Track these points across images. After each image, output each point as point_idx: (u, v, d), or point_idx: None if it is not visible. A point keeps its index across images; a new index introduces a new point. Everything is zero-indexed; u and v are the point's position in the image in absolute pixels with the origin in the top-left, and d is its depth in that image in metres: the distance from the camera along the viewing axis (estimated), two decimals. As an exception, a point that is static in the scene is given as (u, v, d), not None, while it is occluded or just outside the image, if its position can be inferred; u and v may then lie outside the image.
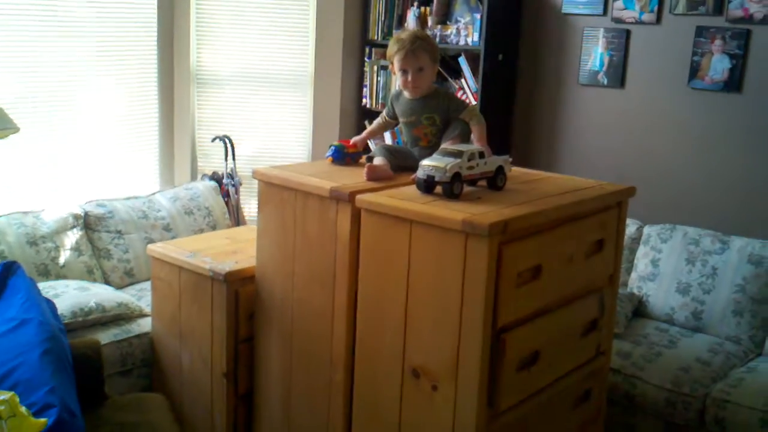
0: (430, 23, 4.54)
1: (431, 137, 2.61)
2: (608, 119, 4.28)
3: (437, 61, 2.64)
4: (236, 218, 4.37)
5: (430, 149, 2.56)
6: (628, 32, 4.14)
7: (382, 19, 4.75)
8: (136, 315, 3.32)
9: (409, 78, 2.57)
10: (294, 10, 4.61)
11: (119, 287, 3.68)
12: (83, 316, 3.12)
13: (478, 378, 2.16)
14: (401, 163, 2.60)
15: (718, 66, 3.82)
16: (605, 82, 4.25)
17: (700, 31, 3.87)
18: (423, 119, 2.60)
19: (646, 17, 4.06)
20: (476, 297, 2.12)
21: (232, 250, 3.07)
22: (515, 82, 4.59)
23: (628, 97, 4.20)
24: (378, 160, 2.59)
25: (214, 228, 4.10)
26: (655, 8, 4.00)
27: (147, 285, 3.49)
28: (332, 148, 2.73)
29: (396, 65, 2.59)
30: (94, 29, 4.03)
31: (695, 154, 4.00)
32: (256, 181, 2.69)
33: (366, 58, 4.82)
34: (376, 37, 4.78)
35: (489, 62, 4.29)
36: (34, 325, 2.32)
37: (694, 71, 3.91)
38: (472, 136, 2.58)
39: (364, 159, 2.73)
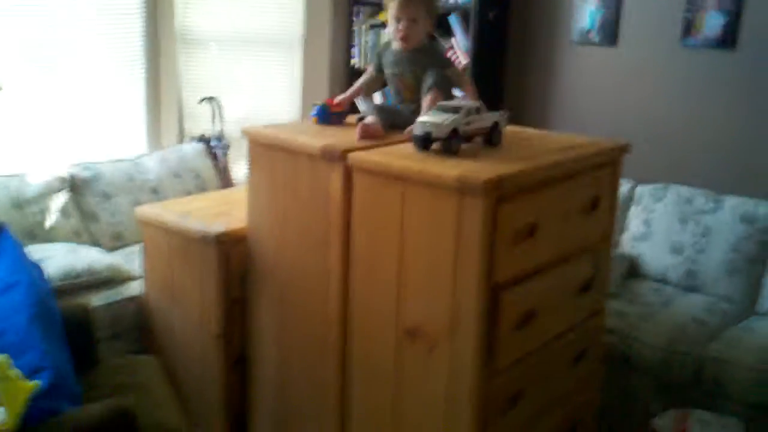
0: None
1: (414, 90, 2.58)
2: (601, 78, 4.25)
3: (433, 16, 2.59)
4: (225, 180, 4.31)
5: (415, 103, 2.54)
6: None
7: (372, -24, 4.66)
8: (126, 278, 3.28)
9: (400, 27, 2.53)
10: None
11: (108, 250, 3.61)
12: (72, 279, 3.08)
13: (475, 337, 2.14)
14: (393, 122, 2.57)
15: (712, 23, 3.77)
16: (597, 40, 4.22)
17: None
18: (408, 73, 2.57)
19: None
20: (472, 255, 2.10)
21: (223, 211, 3.03)
22: (506, 40, 4.54)
23: (620, 56, 4.16)
24: (370, 119, 2.55)
25: (203, 191, 4.04)
26: (648, -36, 3.94)
27: (136, 248, 3.45)
28: (316, 107, 2.68)
29: (390, 13, 2.56)
30: None
31: (689, 113, 3.97)
32: (245, 144, 2.64)
33: (354, 17, 4.76)
34: None
35: (480, 20, 4.22)
36: (22, 288, 2.28)
37: (688, 28, 3.86)
38: (466, 92, 2.58)
39: (354, 118, 2.69)
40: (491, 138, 2.41)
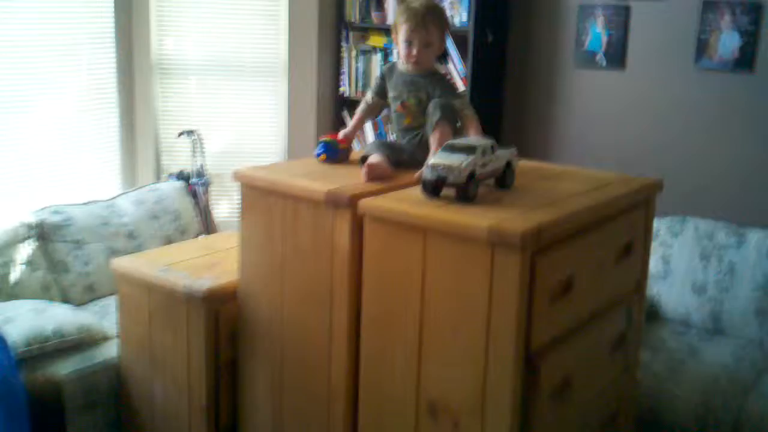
0: None
1: (415, 116, 2.40)
2: (608, 104, 4.05)
3: (446, 38, 2.44)
4: (206, 221, 4.04)
5: (414, 131, 2.39)
6: (628, 8, 3.89)
7: (360, -2, 4.47)
8: (100, 339, 2.98)
9: (414, 51, 2.35)
10: None
11: (79, 304, 3.34)
12: (40, 344, 2.77)
13: (509, 412, 1.88)
14: (398, 158, 2.37)
15: (728, 44, 3.58)
16: (604, 63, 4.01)
17: (708, 5, 3.63)
18: (411, 98, 2.40)
19: None
20: (506, 318, 1.84)
21: (210, 262, 2.76)
22: (505, 64, 4.34)
23: (629, 80, 3.96)
24: (375, 157, 2.33)
25: (183, 233, 3.78)
26: (658, -19, 3.74)
27: (110, 301, 3.19)
28: (322, 144, 2.47)
29: (401, 35, 2.38)
30: (41, 14, 3.69)
31: (704, 140, 3.77)
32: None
33: (343, 43, 4.54)
34: (353, 19, 4.51)
35: (478, 43, 4.00)
36: (-19, 367, 1.96)
37: (702, 50, 3.67)
38: (469, 128, 2.36)
39: (357, 156, 2.47)
40: (504, 179, 2.19)
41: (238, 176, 2.36)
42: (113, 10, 3.96)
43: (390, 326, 2.06)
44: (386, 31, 4.38)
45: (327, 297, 2.20)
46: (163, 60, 4.19)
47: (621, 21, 3.90)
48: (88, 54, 3.89)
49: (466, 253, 1.88)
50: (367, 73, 4.46)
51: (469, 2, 4.00)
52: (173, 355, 2.63)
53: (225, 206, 4.30)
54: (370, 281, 2.10)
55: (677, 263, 3.45)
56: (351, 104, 4.50)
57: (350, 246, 2.11)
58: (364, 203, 2.05)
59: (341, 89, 4.58)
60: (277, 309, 2.34)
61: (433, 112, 2.30)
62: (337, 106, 4.59)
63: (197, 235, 3.87)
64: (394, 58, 4.31)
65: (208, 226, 4.09)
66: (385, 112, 2.59)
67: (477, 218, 1.88)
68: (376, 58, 4.41)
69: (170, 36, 4.19)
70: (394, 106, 2.44)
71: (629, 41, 3.91)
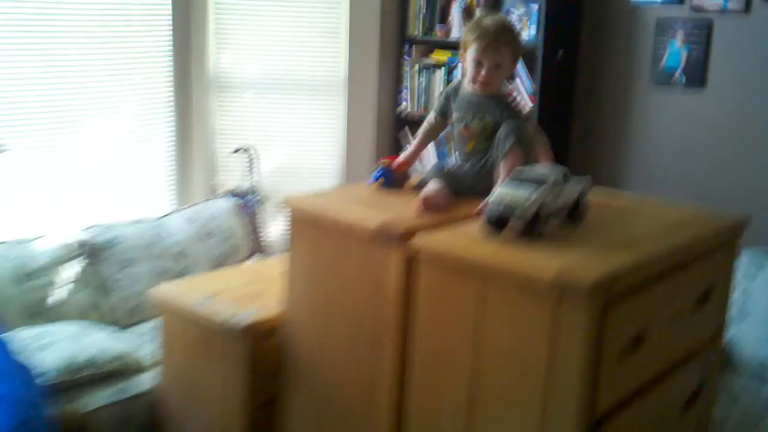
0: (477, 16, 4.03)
1: (479, 140, 2.26)
2: (686, 126, 3.82)
3: (518, 60, 2.30)
4: (259, 241, 3.93)
5: (477, 156, 2.25)
6: (710, 23, 3.67)
7: (423, 12, 4.32)
8: (137, 369, 2.88)
9: (483, 72, 2.22)
10: (324, 5, 4.22)
11: (124, 326, 3.26)
12: (72, 374, 2.68)
13: (571, 483, 1.68)
14: (457, 186, 2.22)
15: (823, 60, 3.31)
16: (683, 82, 3.79)
17: None
18: (475, 120, 2.26)
19: (732, 5, 3.59)
20: (569, 378, 1.66)
21: (255, 292, 2.64)
22: (575, 83, 4.15)
23: (710, 100, 3.73)
24: (433, 185, 2.18)
25: (234, 254, 3.70)
26: (744, -6, 3.52)
27: (155, 324, 3.04)
28: (380, 169, 2.33)
29: (470, 54, 2.24)
30: (100, 29, 3.63)
31: None
32: (281, 197, 2.26)
33: (405, 57, 4.39)
34: (416, 33, 4.36)
35: (547, 60, 3.80)
36: (4, 406, 1.86)
37: (793, 69, 3.39)
38: (540, 155, 2.23)
39: (413, 181, 2.34)
40: (576, 213, 1.99)
41: (288, 203, 2.23)
42: (171, 25, 3.90)
43: (440, 377, 1.89)
44: (450, 46, 4.25)
45: (374, 338, 2.04)
46: (220, 75, 4.12)
47: (702, 37, 3.68)
48: (144, 69, 3.83)
49: (528, 301, 1.70)
50: (429, 90, 4.31)
51: (539, 16, 3.84)
52: (210, 391, 2.52)
53: (278, 225, 4.18)
54: (421, 325, 1.93)
55: (756, 304, 3.17)
56: (411, 122, 4.34)
57: (401, 285, 1.95)
58: (418, 240, 1.88)
59: (402, 106, 4.44)
60: (321, 347, 2.20)
61: (506, 138, 2.16)
62: (397, 124, 4.44)
63: (249, 255, 3.76)
64: (457, 74, 4.14)
65: (260, 245, 3.98)
66: (449, 128, 2.43)
67: (542, 263, 1.69)
68: (439, 74, 4.25)
69: (228, 51, 4.12)
70: (458, 128, 2.30)
71: (711, 59, 3.70)
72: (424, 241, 1.87)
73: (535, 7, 3.86)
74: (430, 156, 3.97)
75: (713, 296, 2.11)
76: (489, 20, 2.25)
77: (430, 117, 2.41)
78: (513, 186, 1.88)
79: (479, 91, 2.25)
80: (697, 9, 3.68)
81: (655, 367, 1.91)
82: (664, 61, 3.82)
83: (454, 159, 2.37)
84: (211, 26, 4.05)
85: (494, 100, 2.24)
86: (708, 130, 3.76)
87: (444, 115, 2.37)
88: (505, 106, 2.24)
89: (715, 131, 3.74)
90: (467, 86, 2.28)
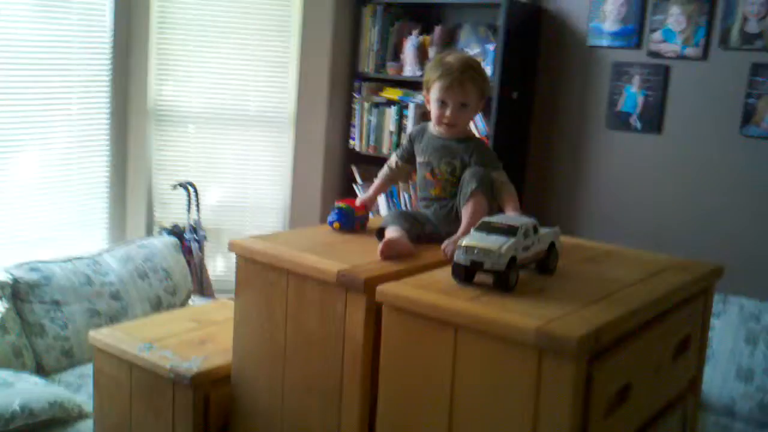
0: (431, 55, 4.04)
1: (445, 186, 2.14)
2: (642, 171, 3.80)
3: (484, 99, 2.16)
4: (200, 280, 3.75)
5: (441, 201, 2.13)
6: (667, 69, 3.67)
7: (375, 48, 4.24)
8: (75, 417, 2.66)
9: (448, 113, 2.10)
10: (273, 37, 4.11)
11: (55, 371, 3.05)
12: (3, 426, 2.45)
13: None
14: (419, 231, 2.09)
15: (780, 109, 3.31)
16: (639, 126, 3.76)
17: (756, 68, 3.41)
18: (442, 164, 2.13)
19: (690, 51, 3.58)
20: None
21: (200, 338, 2.44)
22: (530, 124, 4.09)
23: (666, 145, 3.71)
24: (392, 231, 2.04)
25: (173, 294, 3.48)
26: (701, 41, 3.54)
27: (90, 369, 2.82)
28: (337, 210, 2.19)
29: (434, 94, 2.11)
30: (32, 55, 3.46)
31: (750, 213, 3.52)
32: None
33: (355, 94, 4.30)
34: (367, 70, 4.28)
35: (502, 101, 3.73)
36: None
37: (748, 116, 3.44)
38: (507, 203, 2.08)
39: (371, 225, 2.21)
40: (547, 263, 1.89)
41: (234, 247, 2.06)
42: (111, 51, 3.74)
43: (410, 433, 1.74)
44: (402, 83, 4.19)
45: (335, 390, 1.89)
46: (160, 107, 3.97)
47: (659, 81, 3.67)
48: (79, 97, 3.67)
49: (506, 358, 1.56)
50: (379, 128, 4.20)
51: (495, 56, 3.78)
52: (155, 445, 2.30)
53: (221, 264, 4.01)
54: (387, 382, 1.77)
55: (720, 346, 3.16)
56: (361, 159, 4.26)
57: (365, 335, 1.80)
58: (383, 290, 1.73)
59: (351, 143, 4.33)
60: (276, 399, 2.03)
61: (469, 182, 2.04)
62: (347, 161, 4.34)
63: (189, 296, 3.57)
64: (409, 112, 4.05)
65: (202, 285, 3.80)
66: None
67: (521, 316, 1.56)
68: (390, 112, 4.16)
69: (170, 81, 3.97)
70: (423, 172, 2.17)
71: (668, 103, 3.68)
72: (389, 291, 1.72)
73: (491, 47, 3.81)
74: (380, 204, 3.87)
75: (691, 344, 2.03)
76: (452, 57, 2.13)
77: (392, 161, 2.29)
78: (482, 235, 1.76)
79: (445, 133, 2.13)
80: (654, 54, 3.67)
81: (639, 419, 1.81)
82: (620, 105, 3.80)
83: (409, 202, 2.24)
84: (153, 55, 3.91)
85: (463, 144, 2.12)
86: (664, 174, 3.74)
87: (407, 160, 2.24)
88: (476, 148, 2.12)
89: (670, 176, 3.72)
90: (433, 129, 2.16)
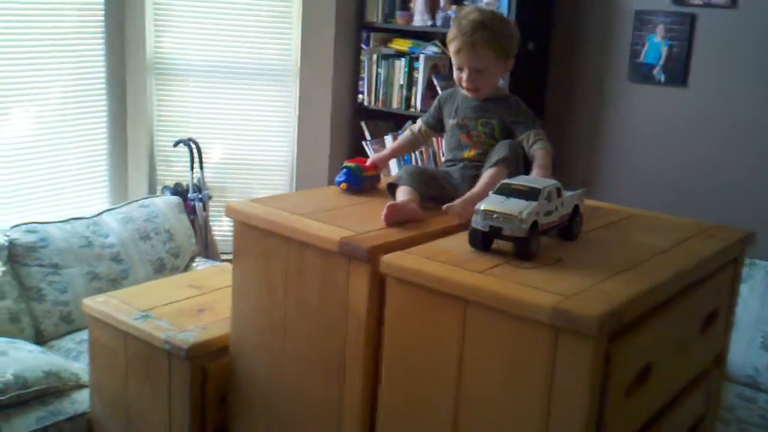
0: (442, 3, 3.92)
1: (482, 148, 2.04)
2: (666, 125, 3.69)
3: (511, 55, 2.07)
4: (204, 241, 3.67)
5: (473, 163, 2.03)
6: (693, 17, 3.56)
7: (383, -4, 4.14)
8: (71, 387, 2.59)
9: (464, 77, 2.01)
10: None
11: (54, 337, 2.99)
12: (-4, 396, 2.39)
13: None
14: (436, 193, 1.98)
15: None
16: (662, 78, 3.66)
17: None
18: (479, 124, 2.04)
19: None
20: (570, 419, 1.44)
21: (198, 306, 2.36)
22: (547, 77, 3.98)
23: (692, 98, 3.61)
24: (402, 192, 1.94)
25: (176, 257, 3.42)
26: (730, -12, 3.41)
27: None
28: (345, 170, 2.11)
29: (452, 57, 2.04)
30: (23, 8, 3.37)
31: None
32: (229, 194, 2.03)
33: (363, 45, 4.16)
34: (375, 20, 4.15)
35: (517, 53, 3.56)
36: None
37: (778, 66, 3.27)
38: (536, 164, 1.96)
39: (384, 185, 2.11)
40: (570, 229, 1.79)
41: (230, 212, 1.96)
42: (104, 5, 3.62)
43: (414, 410, 1.66)
44: (412, 34, 4.06)
45: (337, 365, 1.81)
46: (159, 60, 3.86)
47: (684, 31, 3.56)
48: (73, 52, 3.56)
49: (518, 335, 1.48)
50: (389, 81, 4.09)
51: (509, 5, 3.66)
52: (152, 416, 2.24)
53: (227, 224, 3.92)
54: (391, 354, 1.69)
55: (744, 314, 3.04)
56: (371, 114, 4.17)
57: (368, 308, 1.72)
58: (388, 260, 1.63)
59: (360, 97, 4.22)
60: (276, 372, 1.96)
61: (498, 150, 1.95)
62: (355, 117, 4.23)
63: (193, 259, 3.48)
64: (420, 64, 3.92)
65: (207, 247, 3.71)
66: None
67: (537, 292, 1.47)
68: (400, 64, 4.04)
69: (168, 34, 3.86)
70: (456, 135, 2.08)
71: (693, 55, 3.58)
72: (393, 262, 1.62)
73: (504, -5, 3.70)
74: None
75: (718, 318, 1.94)
76: (467, 16, 2.02)
77: (416, 126, 2.21)
78: (501, 198, 1.66)
79: (472, 96, 2.04)
80: (679, 2, 3.56)
81: (660, 399, 1.71)
82: (643, 56, 3.70)
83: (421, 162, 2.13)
84: (150, 5, 3.79)
85: (499, 103, 2.04)
86: (688, 129, 3.65)
87: (434, 127, 2.16)
88: (513, 106, 2.04)
89: (696, 130, 3.63)
90: (464, 91, 2.06)
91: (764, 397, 2.94)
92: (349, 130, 4.20)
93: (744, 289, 3.05)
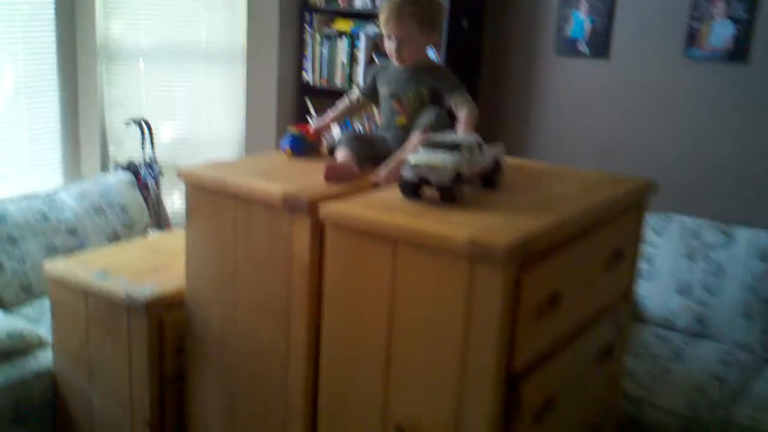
0: None
1: (413, 114, 2.18)
2: (590, 95, 3.85)
3: (435, 29, 2.19)
4: (157, 216, 3.75)
5: (406, 129, 2.16)
6: None
7: (325, -20, 4.22)
8: (35, 346, 2.69)
9: (392, 47, 2.16)
10: None
11: (14, 306, 3.05)
12: (-37, 354, 2.49)
13: (487, 438, 1.66)
14: (370, 153, 2.14)
15: (720, 33, 3.37)
16: (587, 51, 3.82)
17: None
18: (409, 92, 2.18)
19: None
20: (486, 338, 1.63)
21: (154, 265, 2.50)
22: (481, 52, 4.11)
23: (613, 69, 3.77)
24: (341, 153, 2.11)
25: (131, 228, 3.49)
26: (646, -34, 3.53)
27: (48, 303, 2.85)
28: (289, 136, 2.25)
29: (382, 29, 2.19)
30: None
31: (693, 134, 3.59)
32: (180, 171, 2.14)
33: (307, 26, 4.26)
34: (317, 2, 4.25)
35: (452, 30, 3.74)
36: None
37: (692, 39, 3.47)
38: (460, 123, 2.15)
39: (325, 149, 2.28)
40: (492, 179, 1.99)
41: (182, 175, 2.11)
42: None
43: (353, 343, 1.84)
44: (353, 15, 4.16)
45: (284, 309, 1.97)
46: (109, 42, 3.86)
47: (605, 7, 3.71)
48: (24, 37, 3.54)
49: (441, 267, 1.66)
50: (332, 60, 4.20)
51: (443, -15, 3.75)
52: (114, 368, 2.37)
53: (178, 199, 4.02)
54: (332, 294, 1.86)
55: (661, 263, 3.26)
56: (315, 92, 4.25)
57: (310, 255, 1.88)
58: (326, 209, 1.80)
59: (304, 76, 4.32)
60: (229, 321, 2.10)
61: (426, 115, 2.12)
62: (300, 95, 4.33)
63: (146, 230, 3.59)
64: (361, 43, 4.06)
65: (160, 220, 3.80)
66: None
67: (457, 226, 1.65)
68: (342, 44, 4.15)
69: (117, 18, 3.85)
70: (389, 104, 2.22)
71: (614, 29, 3.72)
72: (331, 209, 1.79)
73: (439, -25, 3.80)
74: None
75: (623, 257, 2.14)
76: None
77: (353, 95, 2.34)
78: (428, 152, 1.85)
79: (401, 66, 2.18)
80: None
81: (570, 324, 1.91)
82: (569, 31, 3.82)
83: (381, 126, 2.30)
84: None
85: (427, 73, 2.17)
86: (611, 98, 3.79)
87: (369, 96, 2.30)
88: (440, 75, 2.18)
89: (617, 99, 3.77)
90: (395, 61, 2.20)
91: (677, 336, 3.15)
92: (294, 107, 4.28)
93: (661, 241, 3.29)
